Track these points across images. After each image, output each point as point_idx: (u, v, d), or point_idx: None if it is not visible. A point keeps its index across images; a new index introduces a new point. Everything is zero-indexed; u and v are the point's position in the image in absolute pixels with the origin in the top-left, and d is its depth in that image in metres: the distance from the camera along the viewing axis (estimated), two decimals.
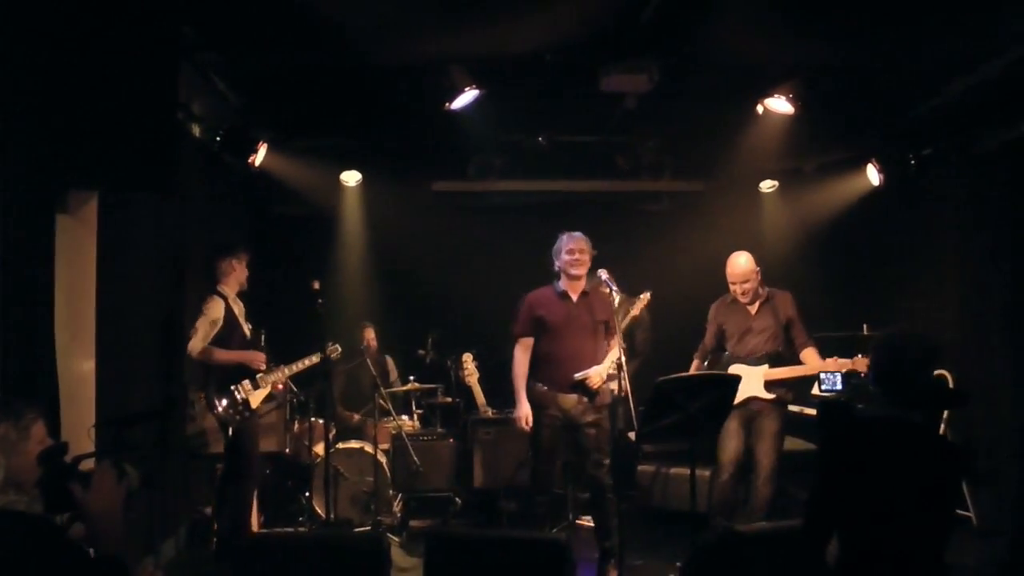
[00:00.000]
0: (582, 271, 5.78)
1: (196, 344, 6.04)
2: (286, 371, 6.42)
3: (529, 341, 5.92)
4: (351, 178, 8.51)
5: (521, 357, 5.91)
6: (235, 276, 6.29)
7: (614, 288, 5.69)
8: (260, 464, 6.73)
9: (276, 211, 8.93)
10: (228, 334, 6.16)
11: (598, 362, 5.80)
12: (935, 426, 3.81)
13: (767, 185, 8.86)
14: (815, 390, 7.11)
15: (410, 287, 8.98)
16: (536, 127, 7.90)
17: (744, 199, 8.87)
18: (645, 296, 6.85)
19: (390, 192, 8.51)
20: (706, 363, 6.61)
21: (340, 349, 6.88)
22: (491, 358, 7.85)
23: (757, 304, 6.44)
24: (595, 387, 5.73)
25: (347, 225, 8.91)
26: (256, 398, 6.25)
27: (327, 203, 8.65)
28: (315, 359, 6.45)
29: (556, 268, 5.92)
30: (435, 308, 8.89)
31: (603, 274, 5.78)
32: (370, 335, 8.28)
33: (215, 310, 6.14)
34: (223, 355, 6.09)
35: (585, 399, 5.80)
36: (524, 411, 5.87)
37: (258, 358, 6.17)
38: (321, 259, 8.75)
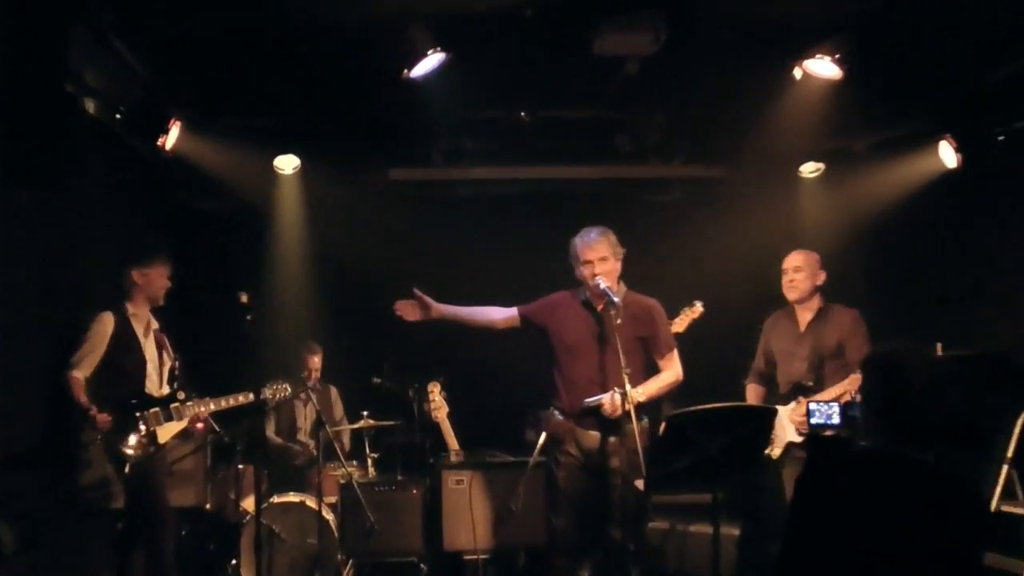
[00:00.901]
0: (605, 284, 5.80)
1: (72, 370, 6.11)
2: (211, 406, 6.49)
3: (514, 317, 6.11)
4: (287, 164, 8.50)
5: (490, 308, 6.18)
6: (141, 290, 6.42)
7: (614, 299, 5.72)
8: (175, 521, 6.70)
9: (194, 206, 8.95)
10: (120, 356, 6.25)
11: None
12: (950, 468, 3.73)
13: (809, 169, 8.86)
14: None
15: (361, 299, 8.83)
16: (516, 100, 7.90)
17: (778, 187, 8.88)
18: (696, 308, 6.98)
19: (336, 182, 8.51)
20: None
21: (289, 389, 6.97)
22: (464, 387, 7.91)
23: (807, 320, 6.62)
24: (611, 415, 5.70)
25: (283, 223, 8.90)
26: (165, 432, 6.31)
27: (258, 196, 8.63)
28: (246, 397, 6.50)
29: (577, 275, 6.01)
30: (393, 325, 8.76)
31: (600, 283, 5.82)
32: (315, 363, 8.29)
33: (98, 329, 6.22)
34: (78, 390, 6.08)
35: (612, 438, 5.79)
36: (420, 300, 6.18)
37: (93, 417, 6.03)
38: (251, 265, 8.72)
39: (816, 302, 6.63)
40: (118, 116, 6.79)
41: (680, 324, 6.87)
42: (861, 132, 8.41)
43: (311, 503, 7.26)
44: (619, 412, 5.66)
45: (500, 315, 6.18)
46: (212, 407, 6.49)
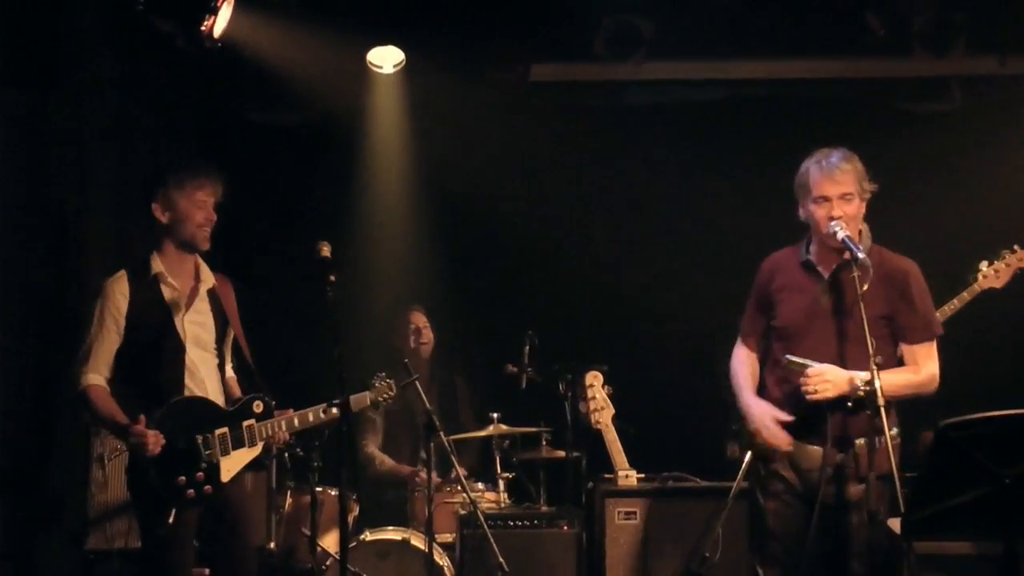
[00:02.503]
0: (845, 232, 5.70)
1: (76, 370, 5.88)
2: (295, 422, 6.16)
3: (748, 357, 6.10)
4: (387, 59, 8.57)
5: (741, 364, 6.11)
6: (170, 233, 6.05)
7: (859, 255, 5.56)
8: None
9: (251, 119, 9.02)
10: (136, 341, 5.95)
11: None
12: None
13: None
14: None
15: (491, 251, 9.05)
16: None
17: None
18: (1011, 259, 7.17)
19: (455, 84, 8.52)
20: None
21: (393, 388, 6.65)
22: (636, 380, 7.89)
23: None
24: (816, 396, 5.64)
25: (378, 144, 8.94)
26: (232, 464, 5.96)
27: (343, 104, 8.68)
28: (328, 414, 6.17)
29: (803, 217, 5.93)
30: (535, 288, 8.95)
31: (838, 230, 5.65)
32: (421, 321, 8.31)
33: (105, 304, 5.92)
34: (98, 402, 5.84)
35: (839, 454, 5.73)
36: (764, 414, 5.86)
37: (142, 436, 5.75)
38: (334, 204, 8.75)
39: None
40: None
41: (999, 277, 7.12)
42: None
43: (418, 542, 7.26)
44: (824, 396, 5.60)
45: (751, 363, 6.15)
46: (297, 424, 6.14)
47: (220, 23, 6.95)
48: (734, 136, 8.90)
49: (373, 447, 8.24)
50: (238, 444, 5.94)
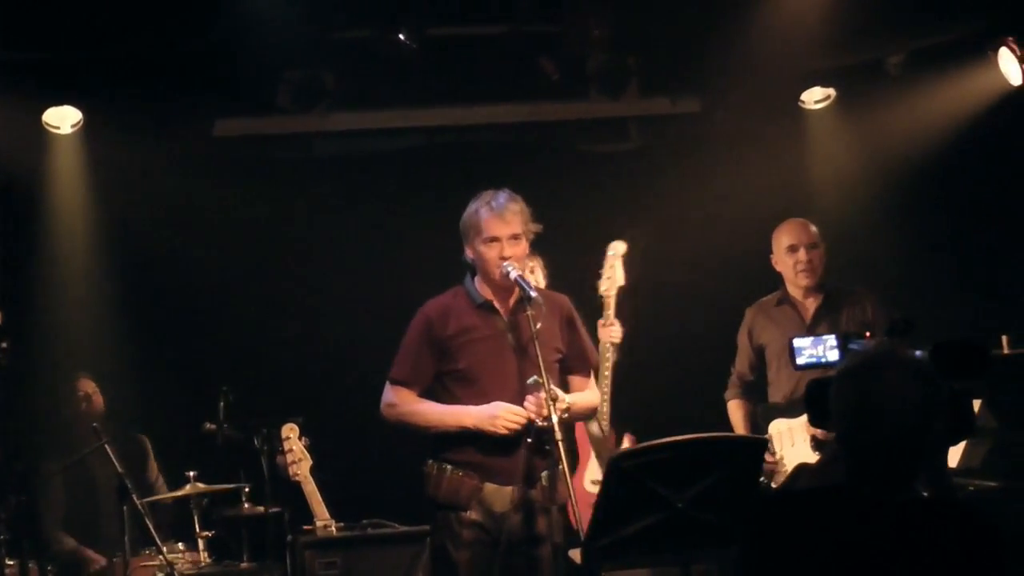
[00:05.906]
0: (518, 271, 5.79)
1: None
2: None
3: (410, 396, 5.94)
4: (64, 120, 8.38)
5: (406, 400, 5.94)
6: None
7: (531, 293, 5.69)
8: None
9: None
10: None
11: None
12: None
13: (814, 98, 8.92)
14: None
15: (181, 312, 8.89)
16: (393, 15, 7.94)
17: (775, 125, 8.95)
18: (615, 248, 7.21)
19: (136, 144, 8.37)
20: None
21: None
22: (332, 431, 7.92)
23: (814, 309, 7.11)
24: (537, 418, 5.69)
25: (59, 204, 8.67)
26: None
27: (18, 166, 8.46)
28: None
29: (469, 259, 5.95)
30: (228, 344, 8.87)
31: (511, 270, 5.76)
32: (90, 387, 8.11)
33: None
34: None
35: (529, 489, 5.81)
36: (482, 410, 5.77)
37: None
38: (7, 269, 8.48)
39: (818, 295, 7.13)
40: None
41: (615, 278, 7.11)
42: (892, 41, 8.44)
43: None
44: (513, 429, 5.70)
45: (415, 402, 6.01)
46: None
47: None
48: (425, 184, 8.95)
49: (52, 524, 7.92)
50: None
